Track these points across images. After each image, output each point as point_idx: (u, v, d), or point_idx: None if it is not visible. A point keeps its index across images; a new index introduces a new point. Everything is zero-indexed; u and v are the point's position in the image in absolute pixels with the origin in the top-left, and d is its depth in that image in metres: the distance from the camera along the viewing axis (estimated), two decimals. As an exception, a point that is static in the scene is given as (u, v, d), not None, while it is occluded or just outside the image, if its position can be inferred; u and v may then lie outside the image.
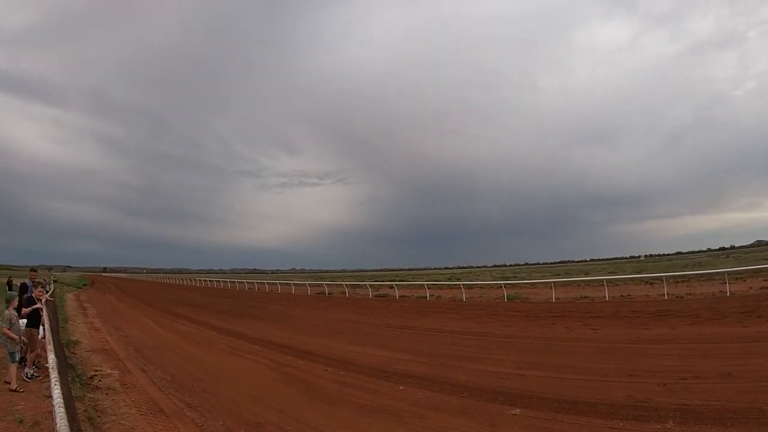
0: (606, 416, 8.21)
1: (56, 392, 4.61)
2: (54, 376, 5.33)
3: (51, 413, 8.91)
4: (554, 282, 30.84)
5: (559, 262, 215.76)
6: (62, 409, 4.20)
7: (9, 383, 10.57)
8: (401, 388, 11.00)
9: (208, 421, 9.34)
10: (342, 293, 45.29)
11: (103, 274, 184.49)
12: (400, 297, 36.81)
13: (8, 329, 10.76)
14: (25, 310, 11.77)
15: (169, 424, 9.25)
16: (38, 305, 12.25)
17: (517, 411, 8.77)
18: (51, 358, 5.87)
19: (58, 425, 3.79)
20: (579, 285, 33.08)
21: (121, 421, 9.34)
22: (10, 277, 41.12)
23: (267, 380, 12.67)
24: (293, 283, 60.25)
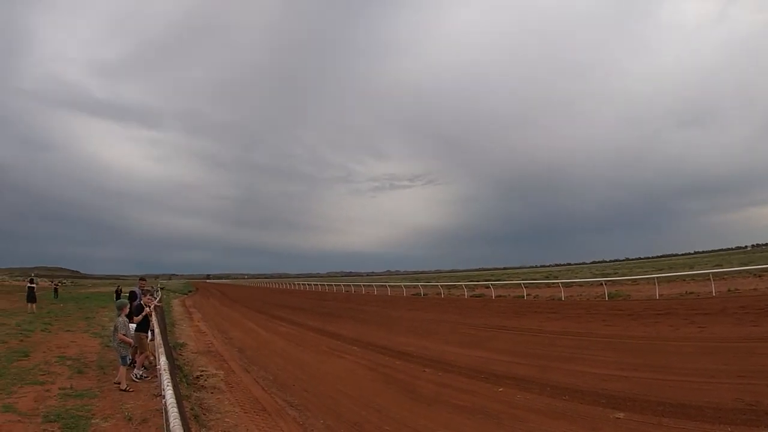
0: (713, 420, 7.81)
1: (168, 392, 4.85)
2: (166, 377, 5.60)
3: (158, 411, 9.36)
4: (657, 277, 29.44)
5: (662, 256, 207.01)
6: (175, 409, 4.40)
7: (119, 384, 11.20)
8: (500, 389, 10.85)
9: (309, 420, 9.55)
10: (437, 294, 45.18)
11: (207, 281, 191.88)
12: (496, 297, 36.33)
13: (123, 335, 11.43)
14: (136, 319, 12.41)
15: (271, 422, 9.53)
16: (147, 310, 12.88)
17: (621, 415, 8.47)
18: (162, 360, 6.17)
19: (171, 424, 3.98)
20: (683, 280, 31.66)
21: (226, 419, 9.71)
22: (118, 286, 43.78)
23: (365, 380, 12.81)
24: (389, 285, 60.53)
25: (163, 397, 5.77)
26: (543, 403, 9.62)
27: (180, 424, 3.94)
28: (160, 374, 5.72)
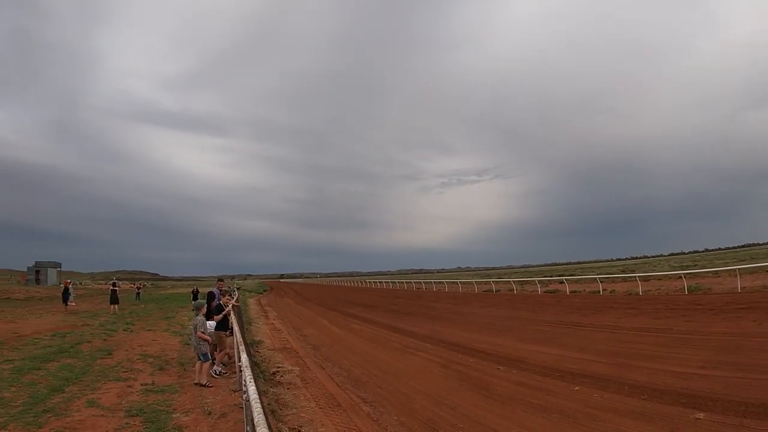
0: (802, 422, 7.47)
1: (251, 388, 5.01)
2: (248, 373, 5.79)
3: (236, 406, 9.60)
4: (739, 269, 28.14)
5: (743, 246, 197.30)
6: (258, 404, 4.55)
7: (200, 380, 11.63)
8: (576, 388, 10.68)
9: (382, 416, 9.66)
10: (510, 290, 44.64)
11: (281, 280, 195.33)
12: (570, 292, 35.65)
13: (202, 332, 11.87)
14: (216, 317, 12.84)
15: (345, 418, 9.69)
16: (227, 310, 13.30)
17: (701, 415, 8.20)
18: (243, 358, 6.39)
19: (255, 419, 4.14)
20: (767, 271, 30.24)
21: (301, 414, 9.93)
22: (195, 287, 45.16)
23: (438, 377, 12.81)
24: (460, 282, 60.24)
25: (245, 392, 5.96)
26: (620, 402, 9.42)
27: (264, 418, 4.09)
28: (242, 370, 5.93)
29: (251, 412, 4.48)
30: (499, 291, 46.49)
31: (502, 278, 62.41)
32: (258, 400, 4.65)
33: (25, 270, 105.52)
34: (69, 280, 39.25)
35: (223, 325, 13.09)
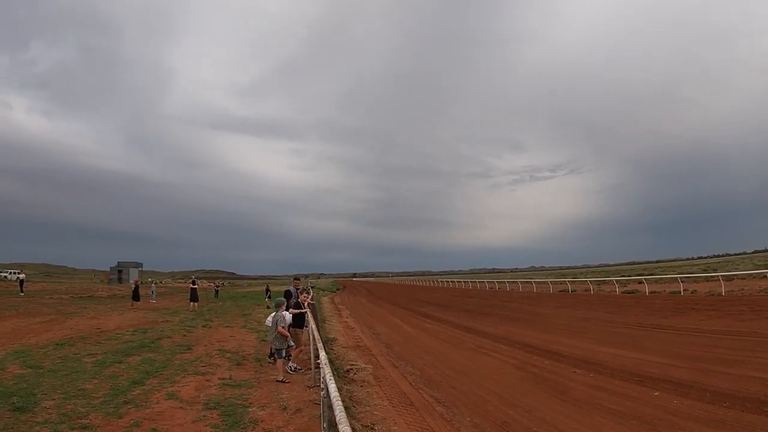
0: None
1: (332, 386, 5.06)
2: (328, 370, 5.88)
3: (311, 402, 9.74)
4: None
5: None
6: (339, 401, 4.59)
7: (276, 375, 11.89)
8: (655, 393, 10.32)
9: (456, 417, 9.59)
10: (586, 290, 43.74)
11: (353, 279, 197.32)
12: (650, 293, 34.61)
13: (282, 327, 12.14)
14: (293, 311, 13.12)
15: (418, 417, 9.65)
16: (304, 309, 13.57)
17: (789, 425, 7.85)
18: (322, 355, 6.50)
19: (337, 416, 4.21)
20: None
21: (374, 412, 9.98)
22: (267, 285, 46.18)
23: (513, 379, 12.62)
24: (534, 281, 59.34)
25: (323, 388, 6.03)
26: (702, 409, 9.05)
27: (345, 416, 4.15)
28: (321, 367, 6.03)
29: (332, 410, 4.53)
30: (575, 291, 45.69)
31: (577, 278, 61.13)
32: (339, 398, 4.71)
33: (108, 270, 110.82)
34: (138, 279, 41.51)
35: (299, 323, 13.36)
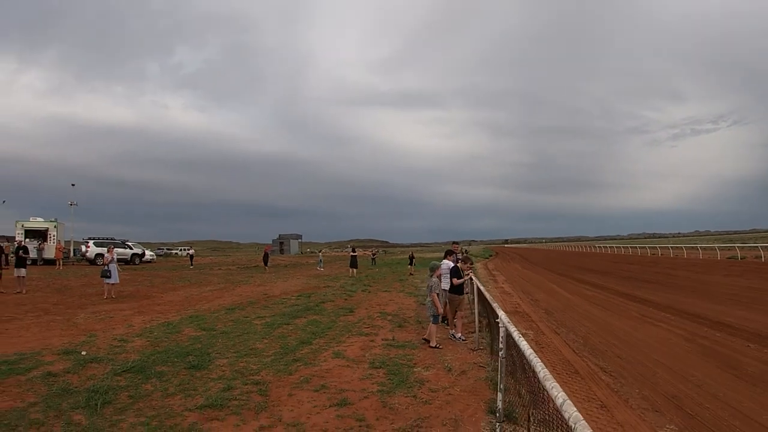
0: None
1: (523, 344, 4.79)
2: (512, 328, 5.61)
3: (475, 365, 9.74)
4: None
5: None
6: (538, 360, 4.28)
7: (428, 340, 11.76)
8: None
9: (623, 387, 9.05)
10: (756, 257, 40.54)
11: (505, 246, 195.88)
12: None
13: (437, 294, 11.97)
14: (456, 281, 12.88)
15: (584, 386, 9.23)
16: (464, 278, 13.29)
17: None
18: (501, 314, 6.25)
19: (540, 374, 3.94)
20: None
21: (538, 380, 9.69)
22: (411, 252, 47.07)
23: (681, 351, 11.80)
24: (700, 247, 55.69)
25: (501, 348, 5.88)
26: None
27: (548, 372, 3.88)
28: (504, 326, 5.78)
29: (535, 373, 4.16)
30: (744, 258, 42.46)
31: (746, 243, 56.74)
32: (535, 355, 4.40)
33: (271, 242, 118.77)
34: (269, 247, 45.39)
35: (459, 289, 13.12)
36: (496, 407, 6.26)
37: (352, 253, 37.62)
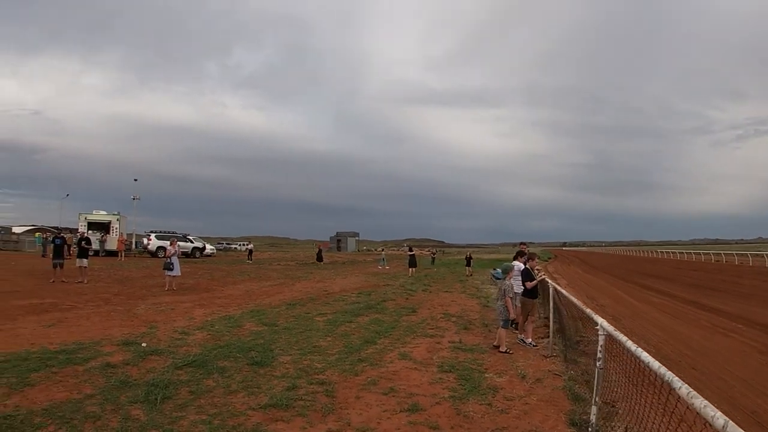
0: None
1: (644, 355, 4.41)
2: (623, 337, 5.25)
3: (550, 372, 9.36)
4: None
5: None
6: (671, 374, 3.90)
7: (498, 346, 11.26)
8: None
9: (702, 400, 8.52)
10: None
11: (563, 248, 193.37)
12: None
13: (510, 297, 11.46)
14: (529, 284, 12.33)
15: (661, 398, 8.75)
16: (537, 279, 12.76)
17: None
18: (599, 320, 5.91)
19: (683, 391, 3.53)
20: None
21: (614, 388, 9.24)
22: (468, 252, 46.65)
23: (758, 364, 11.21)
24: (767, 255, 53.61)
25: (599, 358, 6.04)
26: None
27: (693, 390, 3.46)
28: (604, 334, 5.43)
29: (673, 389, 3.75)
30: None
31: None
32: (676, 377, 3.94)
33: (328, 239, 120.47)
34: (320, 245, 51.76)
35: (532, 293, 12.56)
36: (580, 419, 5.99)
37: (409, 253, 37.86)
